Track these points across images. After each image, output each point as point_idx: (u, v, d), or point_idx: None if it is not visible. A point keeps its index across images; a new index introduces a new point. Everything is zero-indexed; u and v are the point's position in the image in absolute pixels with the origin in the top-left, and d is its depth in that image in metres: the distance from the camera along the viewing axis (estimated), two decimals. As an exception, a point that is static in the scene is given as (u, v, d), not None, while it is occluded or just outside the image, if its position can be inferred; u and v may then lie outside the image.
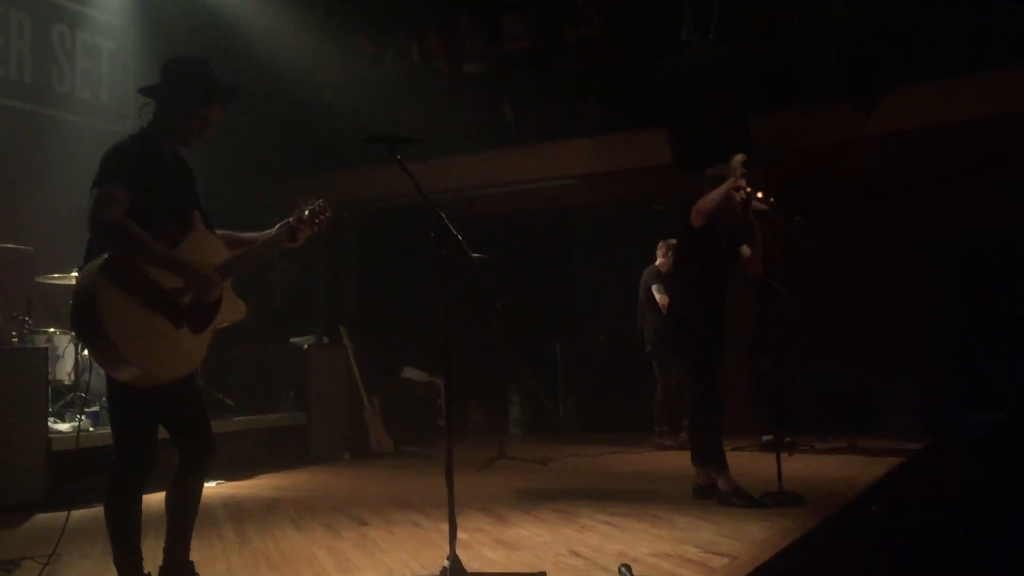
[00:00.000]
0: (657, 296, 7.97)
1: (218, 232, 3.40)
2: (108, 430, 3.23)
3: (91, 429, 6.03)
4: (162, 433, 3.24)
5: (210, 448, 3.31)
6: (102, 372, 3.13)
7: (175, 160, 3.28)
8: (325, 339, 8.66)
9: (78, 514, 5.14)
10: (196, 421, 3.29)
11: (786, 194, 6.00)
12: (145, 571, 3.18)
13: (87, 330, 2.99)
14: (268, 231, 3.46)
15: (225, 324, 3.32)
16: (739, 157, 5.19)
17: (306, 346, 8.49)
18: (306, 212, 3.45)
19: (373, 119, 9.47)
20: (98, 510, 3.14)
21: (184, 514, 3.28)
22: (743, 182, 5.14)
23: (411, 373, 10.04)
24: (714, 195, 5.15)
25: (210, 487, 5.83)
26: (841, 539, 4.61)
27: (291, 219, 3.44)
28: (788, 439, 7.22)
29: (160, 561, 3.26)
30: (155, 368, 3.01)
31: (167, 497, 3.27)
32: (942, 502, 5.44)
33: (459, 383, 9.43)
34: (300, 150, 10.43)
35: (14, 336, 6.39)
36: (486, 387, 9.92)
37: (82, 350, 6.44)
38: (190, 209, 3.28)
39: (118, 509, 3.14)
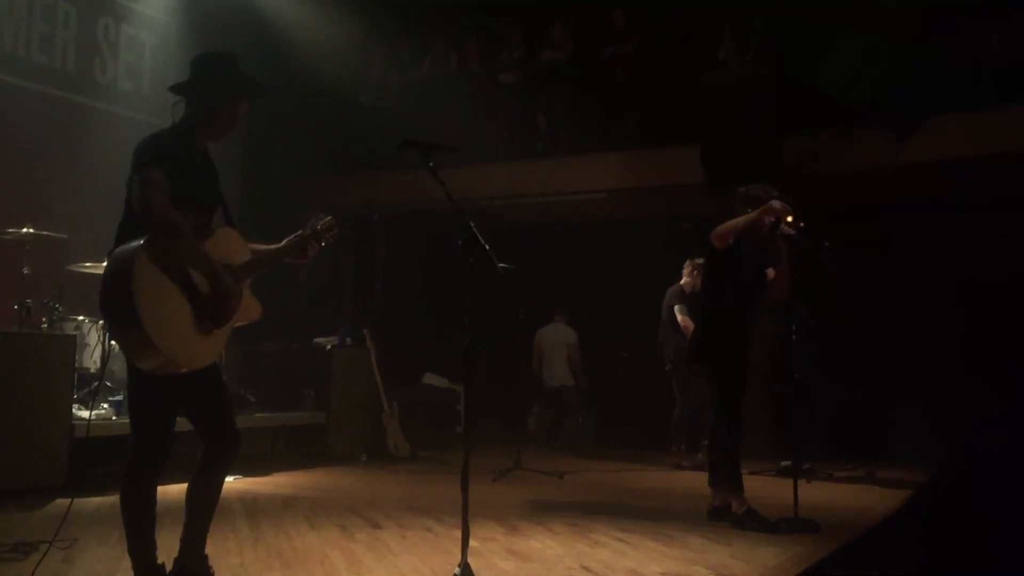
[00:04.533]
0: (679, 318, 7.94)
1: None
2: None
3: (114, 418, 6.10)
4: (185, 425, 3.27)
5: (235, 442, 3.33)
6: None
7: (203, 157, 3.34)
8: (349, 340, 8.70)
9: (97, 501, 5.24)
10: (221, 414, 3.32)
11: (815, 218, 5.95)
12: (159, 561, 3.21)
13: (118, 309, 2.96)
14: (279, 244, 3.52)
15: (241, 323, 3.35)
16: (776, 203, 5.05)
17: (329, 346, 8.53)
18: (318, 226, 3.56)
19: (407, 123, 9.52)
20: (117, 498, 3.18)
21: (204, 506, 3.32)
22: (777, 210, 5.02)
23: (432, 379, 10.06)
24: (737, 223, 5.09)
25: (227, 482, 5.83)
26: (854, 569, 4.56)
27: (303, 231, 3.54)
28: (806, 465, 7.16)
29: (175, 553, 3.29)
30: (176, 355, 3.01)
31: (188, 488, 3.30)
32: (957, 534, 5.36)
33: (479, 391, 9.46)
34: (333, 151, 10.53)
35: (44, 322, 6.49)
36: (506, 397, 9.92)
37: (108, 337, 6.51)
38: (214, 205, 3.35)
39: (133, 498, 3.16)
